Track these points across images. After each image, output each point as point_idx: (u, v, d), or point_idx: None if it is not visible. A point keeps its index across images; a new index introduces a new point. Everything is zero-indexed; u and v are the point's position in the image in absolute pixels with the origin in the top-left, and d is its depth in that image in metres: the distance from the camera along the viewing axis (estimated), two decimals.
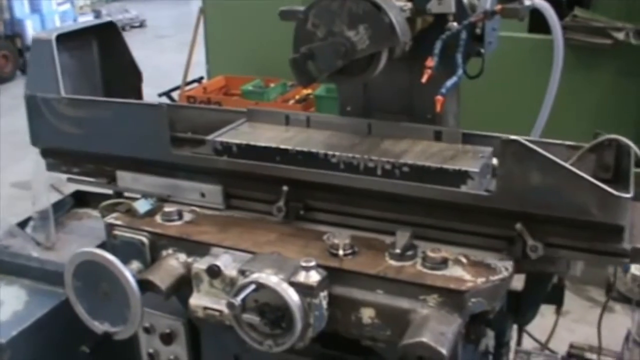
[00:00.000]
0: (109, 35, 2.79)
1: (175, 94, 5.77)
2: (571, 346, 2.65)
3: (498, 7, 2.09)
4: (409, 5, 2.17)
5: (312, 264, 1.80)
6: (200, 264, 1.98)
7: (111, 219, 2.27)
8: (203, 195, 2.27)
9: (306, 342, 1.84)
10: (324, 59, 2.06)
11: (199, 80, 5.61)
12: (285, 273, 1.80)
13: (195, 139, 2.55)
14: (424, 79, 2.01)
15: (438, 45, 2.05)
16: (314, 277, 1.79)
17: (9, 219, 2.99)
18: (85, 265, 2.09)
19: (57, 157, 2.60)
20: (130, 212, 2.28)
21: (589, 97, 5.17)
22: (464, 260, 1.88)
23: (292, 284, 1.78)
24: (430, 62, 2.02)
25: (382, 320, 1.85)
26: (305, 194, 2.12)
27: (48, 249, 3.00)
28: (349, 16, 2.01)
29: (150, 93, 4.46)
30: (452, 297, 1.77)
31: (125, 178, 2.42)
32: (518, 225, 1.84)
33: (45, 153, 2.62)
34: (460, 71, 2.05)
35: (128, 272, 2.02)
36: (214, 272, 1.93)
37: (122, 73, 2.84)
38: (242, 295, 1.77)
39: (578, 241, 1.84)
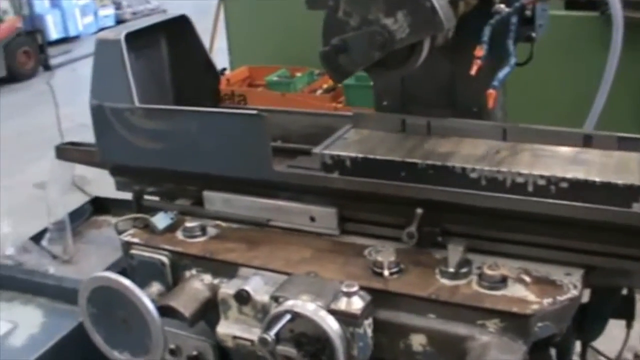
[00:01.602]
0: (180, 31, 2.45)
1: None
2: (636, 355, 2.41)
3: None
4: None
5: (355, 288, 1.58)
6: (228, 289, 1.78)
7: (127, 236, 2.06)
8: (313, 219, 1.94)
9: None
10: (358, 51, 1.82)
11: (221, 71, 5.41)
12: (324, 299, 1.59)
13: (287, 149, 2.24)
14: (473, 71, 1.77)
15: (487, 32, 1.80)
16: (356, 303, 1.57)
17: (22, 234, 2.80)
18: (101, 291, 1.90)
19: (129, 175, 2.27)
20: (149, 227, 2.07)
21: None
22: (526, 277, 1.65)
23: (332, 312, 1.57)
24: (480, 51, 1.77)
25: (435, 348, 1.63)
26: (442, 216, 1.78)
27: (66, 262, 2.83)
28: (385, 2, 1.76)
29: None
30: (515, 322, 1.55)
31: (213, 200, 2.07)
32: None
33: (115, 171, 2.30)
34: (513, 60, 1.81)
35: (147, 299, 1.82)
36: (242, 297, 1.72)
37: (195, 74, 2.52)
38: (276, 329, 1.56)
39: None
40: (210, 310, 1.87)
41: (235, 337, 1.77)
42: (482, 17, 1.89)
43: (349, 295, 1.57)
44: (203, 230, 2.02)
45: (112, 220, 3.15)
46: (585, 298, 1.95)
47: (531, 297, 1.58)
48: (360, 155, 1.85)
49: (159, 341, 1.86)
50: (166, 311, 1.85)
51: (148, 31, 2.35)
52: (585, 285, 1.73)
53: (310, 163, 1.93)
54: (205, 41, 2.79)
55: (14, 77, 11.30)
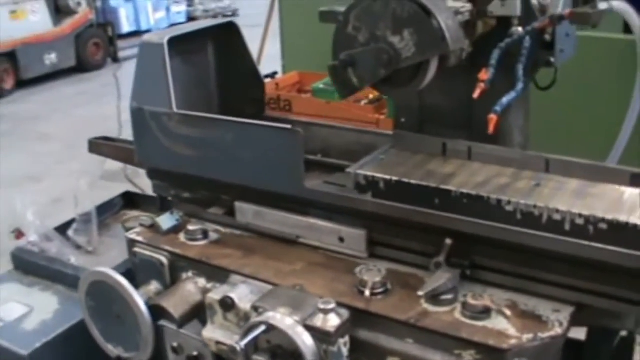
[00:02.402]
0: (228, 37, 2.43)
1: None
2: None
3: (567, 11, 1.78)
4: (468, 6, 1.89)
5: (332, 306, 1.57)
6: (215, 294, 1.79)
7: (133, 234, 2.11)
8: (342, 240, 1.90)
9: None
10: (365, 67, 1.82)
11: (272, 75, 5.45)
12: (301, 314, 1.59)
13: (326, 164, 2.24)
14: (475, 94, 1.74)
15: (495, 55, 1.77)
16: (332, 321, 1.57)
17: (47, 223, 2.88)
18: (98, 285, 1.95)
19: (166, 179, 2.28)
20: (154, 227, 2.11)
21: None
22: (509, 311, 1.60)
23: (308, 328, 1.56)
24: (485, 74, 1.75)
25: None
26: (472, 249, 1.72)
27: (89, 253, 2.88)
28: (393, 19, 1.75)
29: None
30: (491, 355, 1.51)
31: (245, 211, 2.06)
32: None
33: (152, 174, 2.32)
34: (520, 85, 1.77)
35: (139, 297, 1.87)
36: (227, 305, 1.74)
37: (241, 82, 2.50)
38: (248, 339, 1.57)
39: None
40: (201, 313, 1.89)
41: (218, 342, 1.79)
42: (501, 38, 1.86)
43: (325, 312, 1.57)
44: (205, 234, 2.04)
45: (142, 215, 3.22)
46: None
47: (511, 331, 1.54)
48: (395, 179, 1.79)
49: (149, 339, 1.90)
50: (157, 310, 1.88)
51: (195, 36, 2.35)
52: (576, 324, 1.68)
53: (345, 181, 1.89)
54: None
55: (83, 67, 11.65)
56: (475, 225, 1.67)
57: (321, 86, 4.94)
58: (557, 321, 1.58)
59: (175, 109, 2.09)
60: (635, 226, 1.52)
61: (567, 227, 1.58)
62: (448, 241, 1.69)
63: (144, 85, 2.21)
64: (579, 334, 1.87)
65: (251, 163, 1.99)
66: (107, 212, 3.18)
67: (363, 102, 4.78)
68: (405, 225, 1.78)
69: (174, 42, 2.17)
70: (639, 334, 1.73)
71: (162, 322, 2.13)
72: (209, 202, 2.17)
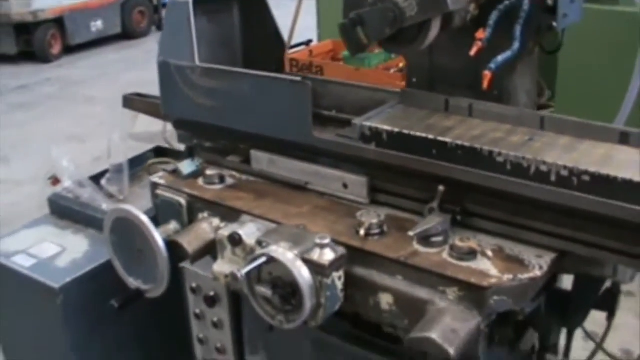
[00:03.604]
0: (252, 0, 2.59)
1: None
2: None
3: None
4: None
5: (327, 241, 1.70)
6: (225, 231, 1.94)
7: (156, 177, 2.27)
8: (346, 186, 2.03)
9: (318, 321, 1.76)
10: (372, 26, 1.93)
11: (306, 43, 5.57)
12: (300, 248, 1.72)
13: (340, 119, 2.35)
14: (472, 52, 1.85)
15: (494, 16, 1.87)
16: (327, 255, 1.70)
17: (82, 172, 3.07)
18: (122, 222, 2.10)
19: (189, 129, 2.43)
20: (176, 172, 2.27)
21: None
22: (494, 254, 1.72)
23: (305, 261, 1.70)
24: (481, 34, 1.85)
25: (400, 308, 1.74)
26: (464, 196, 1.84)
27: (119, 201, 3.06)
28: None
29: None
30: (472, 292, 1.63)
31: (260, 159, 2.21)
32: None
33: (177, 124, 2.47)
34: (516, 45, 1.87)
35: (158, 234, 2.02)
36: (234, 240, 1.88)
37: (264, 42, 2.63)
38: (249, 268, 1.71)
39: None
40: (214, 250, 2.04)
41: (226, 276, 1.94)
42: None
43: (321, 246, 1.70)
44: (221, 179, 2.19)
45: None
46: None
47: (493, 271, 1.66)
48: (397, 130, 1.90)
49: (165, 272, 2.05)
50: (174, 246, 2.04)
51: None
52: (559, 270, 1.79)
53: (354, 133, 2.00)
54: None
55: (128, 34, 11.92)
56: (467, 173, 1.78)
57: None
58: (538, 265, 1.68)
59: (197, 63, 2.23)
60: (615, 178, 1.61)
61: (553, 178, 1.68)
62: (441, 188, 1.79)
63: (170, 41, 2.36)
64: None
65: (265, 113, 2.12)
66: (139, 165, 3.36)
67: (392, 70, 4.89)
68: (404, 173, 1.90)
69: (201, 3, 2.31)
70: (620, 281, 1.82)
71: (182, 264, 2.30)
72: (227, 151, 2.31)
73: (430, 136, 1.87)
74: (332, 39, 5.78)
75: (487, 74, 1.82)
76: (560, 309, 1.98)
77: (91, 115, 7.96)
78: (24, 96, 9.22)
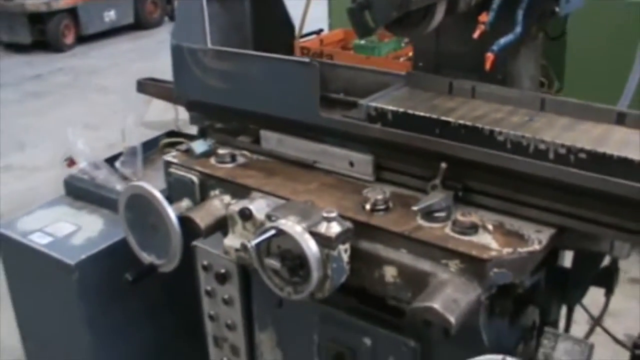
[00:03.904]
0: None
1: None
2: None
3: None
4: None
5: (334, 214, 1.77)
6: (235, 206, 2.01)
7: (169, 156, 2.34)
8: (352, 164, 2.09)
9: (325, 293, 1.83)
10: (379, 10, 1.98)
11: (317, 32, 5.63)
12: (308, 222, 1.79)
13: (348, 101, 2.39)
14: (475, 35, 1.91)
15: (497, 0, 1.93)
16: (334, 228, 1.76)
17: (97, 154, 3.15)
18: (136, 198, 2.18)
19: (201, 110, 2.48)
20: (189, 152, 2.34)
21: None
22: (495, 229, 1.78)
23: (312, 234, 1.77)
24: (484, 17, 1.90)
25: (404, 280, 1.80)
26: (465, 173, 1.89)
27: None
28: None
29: None
30: (473, 265, 1.69)
31: (269, 138, 2.27)
32: None
33: (189, 105, 2.52)
34: (518, 29, 1.92)
35: (170, 209, 2.09)
36: (245, 215, 1.95)
37: (274, 27, 2.70)
38: (259, 239, 1.78)
39: None
40: (224, 226, 2.11)
41: (237, 250, 2.01)
42: None
43: (328, 220, 1.77)
44: (233, 158, 2.26)
45: None
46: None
47: (494, 245, 1.72)
48: (402, 110, 1.97)
49: (178, 247, 2.13)
50: (186, 221, 2.11)
51: None
52: (558, 245, 1.85)
53: (361, 114, 2.07)
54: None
55: (140, 24, 12.01)
56: (469, 151, 1.84)
57: (362, 42, 5.12)
58: (537, 240, 1.74)
59: (209, 45, 2.30)
60: (611, 156, 1.67)
61: (551, 155, 1.74)
62: (443, 165, 1.85)
63: (183, 26, 2.44)
64: None
65: (274, 94, 2.19)
66: (152, 148, 3.44)
67: (402, 59, 4.95)
68: (408, 151, 1.96)
69: None
70: (617, 257, 1.88)
71: (194, 243, 2.38)
72: (238, 131, 2.38)
73: (434, 116, 1.93)
74: (342, 28, 5.84)
75: (490, 55, 1.88)
76: (559, 285, 2.04)
77: (104, 104, 8.07)
78: (38, 85, 9.35)
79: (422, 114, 1.95)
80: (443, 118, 1.91)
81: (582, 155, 1.70)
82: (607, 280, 2.03)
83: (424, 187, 1.94)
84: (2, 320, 3.76)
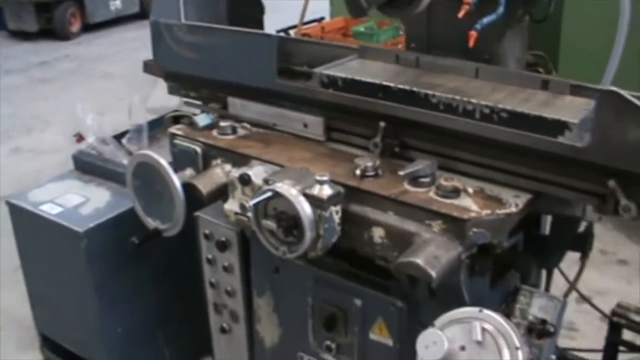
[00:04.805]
0: None
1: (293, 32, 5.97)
2: (618, 305, 2.60)
3: None
4: None
5: (326, 178, 1.91)
6: (235, 172, 2.15)
7: (174, 129, 2.48)
8: (306, 125, 2.32)
9: (318, 252, 1.97)
10: None
11: (319, 20, 5.76)
12: (302, 185, 1.93)
13: (309, 73, 2.52)
14: (460, 14, 2.04)
15: None
16: (326, 190, 1.90)
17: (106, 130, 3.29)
18: (143, 167, 2.32)
19: (177, 81, 2.71)
20: (192, 124, 2.48)
21: None
22: (475, 193, 1.92)
23: (306, 196, 1.90)
24: None
25: (391, 240, 1.94)
26: (403, 131, 2.11)
27: None
28: None
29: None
30: (454, 225, 1.83)
31: (235, 104, 2.49)
32: (611, 182, 1.74)
33: (167, 77, 2.75)
34: (500, 9, 2.06)
35: (175, 176, 2.23)
36: (244, 180, 2.09)
37: (245, 5, 2.95)
38: (256, 200, 1.92)
39: None
40: (225, 194, 2.25)
41: (236, 213, 2.15)
42: None
43: (321, 183, 1.91)
44: (234, 130, 2.40)
45: None
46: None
47: (474, 207, 1.85)
48: (350, 77, 2.18)
49: (181, 213, 2.27)
50: (190, 188, 2.25)
51: None
52: (535, 209, 1.98)
53: (316, 82, 2.28)
54: None
55: (145, 14, 12.07)
56: (406, 111, 2.05)
57: (362, 29, 5.24)
58: (515, 203, 1.88)
59: (183, 21, 2.54)
60: (527, 115, 1.87)
61: (477, 115, 1.94)
62: (382, 124, 2.08)
63: (161, 3, 2.66)
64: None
65: (239, 64, 2.42)
66: (158, 127, 3.57)
67: (400, 46, 5.05)
68: (354, 112, 2.18)
69: None
70: (590, 221, 2.01)
71: (197, 213, 2.51)
72: (209, 99, 2.62)
73: (377, 81, 2.13)
74: (343, 16, 5.96)
75: (473, 33, 2.02)
76: (538, 250, 2.17)
77: (109, 90, 8.20)
78: (45, 72, 9.48)
79: (367, 80, 2.16)
80: (385, 83, 2.11)
81: (504, 115, 1.90)
82: (583, 244, 2.17)
83: (366, 145, 2.15)
84: (12, 292, 3.93)
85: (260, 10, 3.02)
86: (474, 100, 1.94)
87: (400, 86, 2.07)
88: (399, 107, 2.06)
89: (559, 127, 1.80)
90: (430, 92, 2.01)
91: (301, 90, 2.29)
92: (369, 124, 2.14)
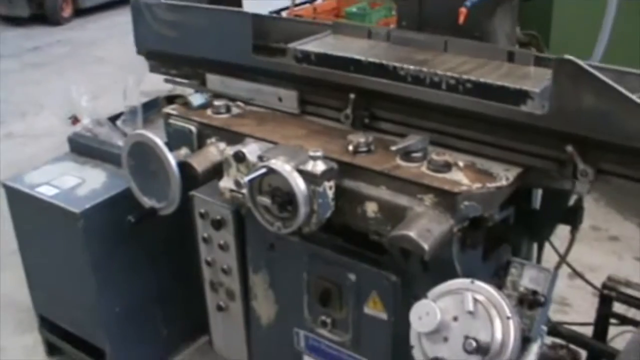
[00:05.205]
0: None
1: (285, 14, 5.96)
2: (608, 278, 2.64)
3: None
4: None
5: (319, 154, 1.94)
6: (230, 150, 2.17)
7: (169, 109, 2.51)
8: (280, 99, 2.39)
9: (312, 227, 2.00)
10: None
11: (311, 1, 5.76)
12: (296, 161, 1.96)
13: (285, 49, 2.58)
14: None
15: None
16: (319, 166, 1.93)
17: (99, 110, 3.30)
18: (138, 146, 2.34)
19: (158, 59, 2.77)
20: (187, 104, 2.50)
21: None
22: (466, 167, 1.95)
23: (300, 172, 1.93)
24: None
25: (384, 215, 1.97)
26: (372, 103, 2.18)
27: None
28: None
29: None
30: (445, 198, 1.86)
31: (214, 81, 2.56)
32: (569, 148, 1.80)
33: (148, 55, 2.81)
34: None
35: (170, 155, 2.25)
36: (239, 157, 2.12)
37: None
38: (251, 176, 1.95)
39: (630, 169, 1.77)
40: (220, 172, 2.27)
41: (231, 190, 2.18)
42: None
43: (314, 159, 1.94)
44: (228, 109, 2.43)
45: None
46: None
47: (465, 180, 1.89)
48: (322, 51, 2.27)
49: (177, 191, 2.30)
50: (185, 167, 2.27)
51: None
52: (525, 183, 2.01)
53: (290, 57, 2.36)
54: None
55: None
56: (375, 83, 2.13)
57: (354, 10, 5.25)
58: (505, 177, 1.91)
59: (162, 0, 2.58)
60: (491, 85, 1.95)
61: (443, 86, 2.02)
62: (352, 95, 2.14)
63: None
64: None
65: (216, 41, 2.48)
66: (152, 109, 3.59)
67: (392, 26, 5.08)
68: (326, 85, 2.25)
69: None
70: (580, 194, 2.03)
71: (192, 192, 2.54)
72: (189, 76, 2.67)
73: (348, 55, 2.21)
74: None
75: (463, 10, 2.05)
76: (529, 224, 2.21)
77: (102, 74, 8.16)
78: (37, 57, 9.44)
79: (338, 54, 2.23)
80: (355, 57, 2.18)
81: (469, 85, 1.98)
82: (573, 218, 2.20)
83: (338, 117, 2.22)
84: (10, 275, 3.95)
85: None
86: (440, 72, 2.03)
87: (371, 59, 2.15)
88: (369, 79, 2.14)
89: (522, 96, 1.90)
90: (398, 64, 2.10)
91: (276, 65, 2.36)
92: (340, 97, 2.21)
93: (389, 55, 2.22)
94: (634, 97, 1.68)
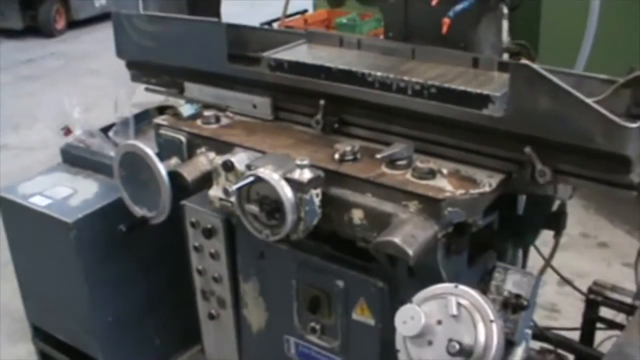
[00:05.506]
0: None
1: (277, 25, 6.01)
2: (594, 283, 2.68)
3: None
4: None
5: (306, 162, 1.98)
6: (219, 159, 2.21)
7: (159, 119, 2.54)
8: (255, 106, 2.46)
9: (300, 234, 2.03)
10: None
11: (302, 12, 5.81)
12: (284, 170, 1.99)
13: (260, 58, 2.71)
14: (433, 2, 2.11)
15: None
16: (306, 174, 1.97)
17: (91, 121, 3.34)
18: (129, 156, 2.38)
19: (138, 68, 2.83)
20: (177, 115, 2.54)
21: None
22: (450, 174, 1.99)
23: (287, 180, 1.97)
24: None
25: (370, 221, 2.01)
26: (342, 109, 2.25)
27: None
28: None
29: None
30: (429, 205, 1.90)
31: (192, 89, 2.63)
32: (527, 149, 1.85)
33: (129, 65, 2.87)
34: None
35: (160, 164, 2.29)
36: (227, 166, 2.16)
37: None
38: (239, 184, 1.99)
39: (586, 170, 1.84)
40: (209, 181, 2.31)
41: (220, 199, 2.22)
42: None
43: (301, 167, 1.97)
44: (217, 119, 2.47)
45: None
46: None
47: (449, 187, 1.93)
48: (294, 59, 2.35)
49: (167, 201, 2.33)
50: (175, 176, 2.31)
51: None
52: (508, 189, 2.05)
53: (264, 66, 2.45)
54: None
55: None
56: (344, 89, 2.21)
57: (344, 21, 5.31)
58: (488, 183, 1.95)
59: (141, 11, 2.66)
60: (454, 90, 2.04)
61: (409, 91, 2.11)
62: (322, 102, 2.22)
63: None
64: None
65: (193, 50, 2.55)
66: (144, 120, 3.62)
67: (381, 37, 5.14)
68: (298, 92, 2.33)
69: None
70: (562, 199, 2.08)
71: (183, 202, 2.57)
72: (168, 85, 2.75)
73: (319, 63, 2.29)
74: (326, 8, 6.02)
75: (446, 20, 2.10)
76: (514, 229, 2.25)
77: (95, 87, 8.20)
78: (31, 69, 9.49)
79: (310, 62, 2.32)
80: (326, 64, 2.27)
81: (433, 90, 2.06)
82: (556, 223, 2.24)
83: (309, 122, 2.29)
84: (3, 285, 3.98)
85: (217, 2, 3.11)
86: (406, 78, 2.11)
87: (340, 67, 2.24)
88: (338, 86, 2.22)
89: (483, 100, 1.97)
90: (366, 71, 2.18)
91: (250, 73, 2.45)
92: (312, 103, 2.29)
93: (358, 63, 2.31)
94: (587, 100, 1.74)
